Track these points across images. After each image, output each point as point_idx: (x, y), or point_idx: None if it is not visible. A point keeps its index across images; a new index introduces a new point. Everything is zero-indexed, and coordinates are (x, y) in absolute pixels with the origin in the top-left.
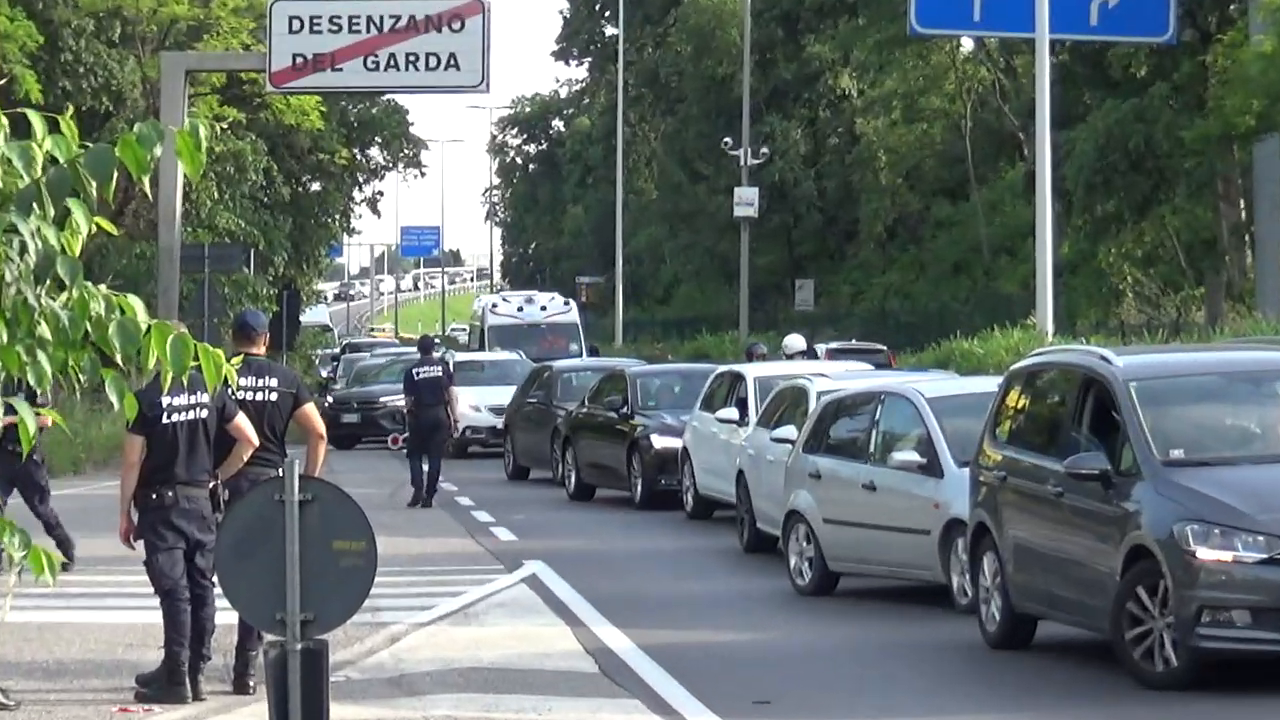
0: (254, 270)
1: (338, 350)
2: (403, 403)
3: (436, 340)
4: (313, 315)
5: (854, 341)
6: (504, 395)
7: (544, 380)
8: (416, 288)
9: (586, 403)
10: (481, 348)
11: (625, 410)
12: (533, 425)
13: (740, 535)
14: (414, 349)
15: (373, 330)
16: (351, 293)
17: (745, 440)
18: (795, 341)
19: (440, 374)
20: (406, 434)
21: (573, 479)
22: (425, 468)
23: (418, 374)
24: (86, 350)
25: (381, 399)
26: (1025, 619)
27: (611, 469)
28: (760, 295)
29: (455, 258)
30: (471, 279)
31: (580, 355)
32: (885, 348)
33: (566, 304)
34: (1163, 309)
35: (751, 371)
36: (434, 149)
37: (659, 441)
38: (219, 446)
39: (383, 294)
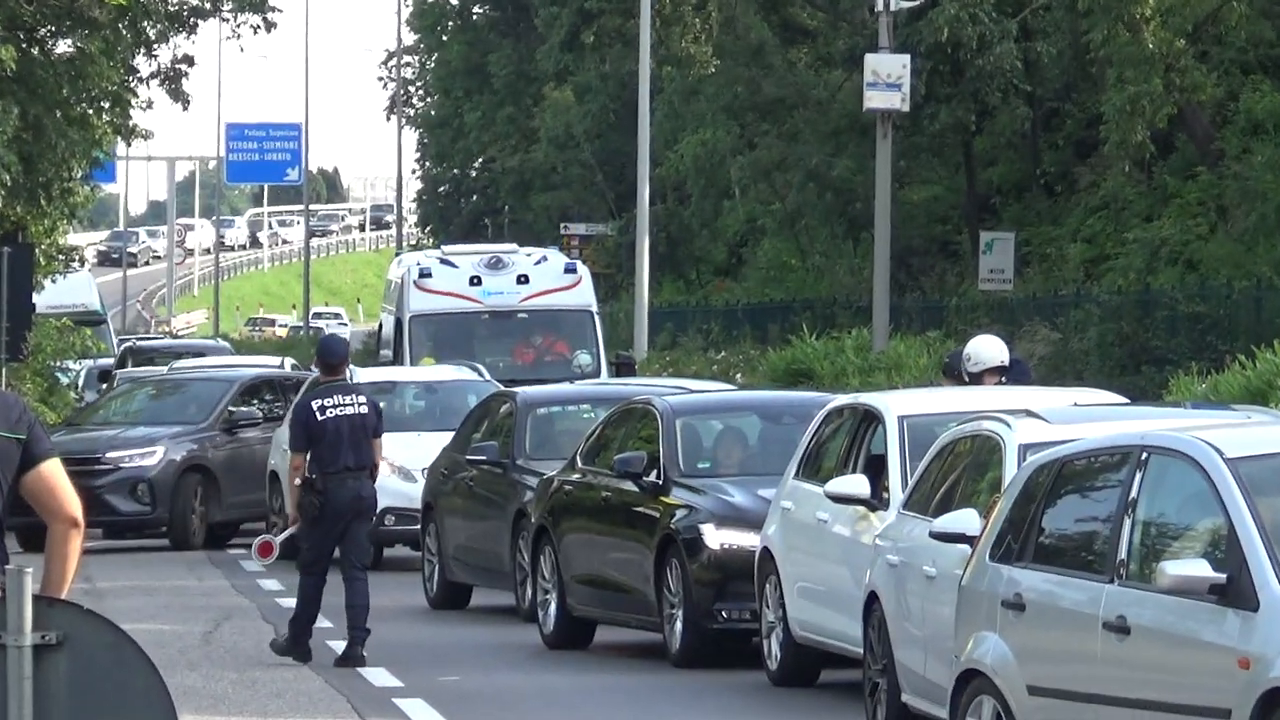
0: None
1: (112, 360)
2: (153, 461)
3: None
4: (61, 292)
5: None
6: None
7: (499, 419)
8: (256, 242)
9: (579, 463)
10: (396, 357)
11: (654, 478)
12: (478, 506)
13: (870, 716)
14: (251, 361)
15: (179, 331)
16: (132, 250)
17: (882, 536)
18: (986, 349)
19: (366, 410)
20: (287, 529)
21: (552, 608)
22: (344, 591)
23: (323, 410)
24: None
25: (108, 455)
26: None
27: (626, 589)
28: (912, 260)
29: (330, 187)
30: (359, 227)
31: (596, 372)
32: None
33: (571, 268)
34: None
35: (895, 406)
36: None
37: (716, 536)
38: None
39: (191, 253)
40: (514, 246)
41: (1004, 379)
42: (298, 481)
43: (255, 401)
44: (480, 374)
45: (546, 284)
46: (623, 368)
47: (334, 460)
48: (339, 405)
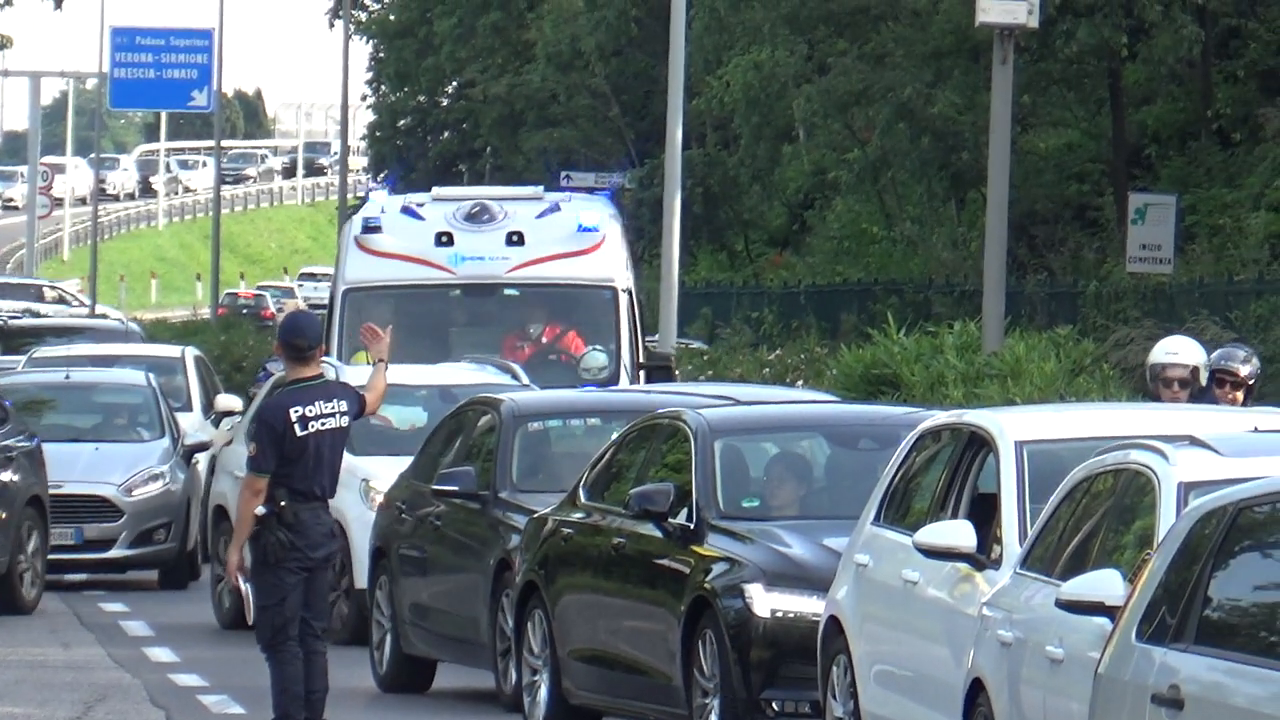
0: None
1: None
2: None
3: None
4: None
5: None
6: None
7: (476, 437)
8: (148, 190)
9: (583, 497)
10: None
11: (684, 520)
12: (445, 553)
13: None
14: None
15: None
16: None
17: (991, 605)
18: (1181, 351)
19: (348, 421)
20: (235, 578)
21: (542, 693)
22: (301, 660)
23: (304, 421)
24: None
25: None
26: None
27: (643, 670)
28: (1036, 230)
29: (250, 117)
30: (286, 173)
31: (613, 377)
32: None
33: (589, 226)
34: None
35: (1011, 428)
36: None
37: (766, 601)
38: None
39: (60, 203)
40: (521, 191)
41: (1187, 394)
42: (260, 511)
43: None
44: (516, 377)
45: (550, 246)
46: (655, 371)
47: (309, 485)
48: (322, 416)
